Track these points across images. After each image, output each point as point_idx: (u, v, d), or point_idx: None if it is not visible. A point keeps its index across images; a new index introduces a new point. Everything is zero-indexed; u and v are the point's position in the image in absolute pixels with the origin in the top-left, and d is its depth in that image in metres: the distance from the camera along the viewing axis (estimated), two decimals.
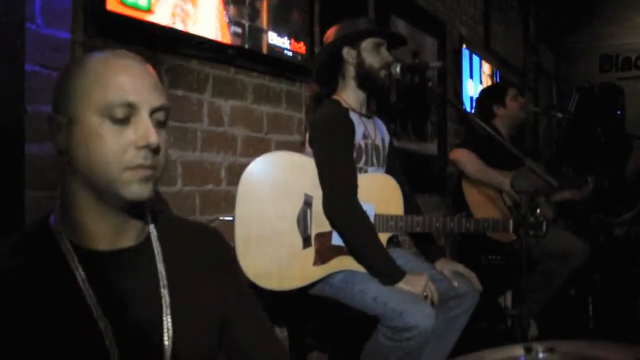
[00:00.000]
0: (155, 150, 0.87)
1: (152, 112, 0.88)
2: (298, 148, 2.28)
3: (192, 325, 0.94)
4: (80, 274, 0.87)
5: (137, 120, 0.86)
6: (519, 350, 1.12)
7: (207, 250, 1.03)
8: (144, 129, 0.86)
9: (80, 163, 0.86)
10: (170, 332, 0.91)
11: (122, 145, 0.85)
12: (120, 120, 0.85)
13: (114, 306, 0.87)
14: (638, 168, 4.02)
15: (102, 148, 0.84)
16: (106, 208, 0.89)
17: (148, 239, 0.95)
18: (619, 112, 5.37)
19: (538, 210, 2.06)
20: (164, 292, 0.92)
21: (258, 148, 2.30)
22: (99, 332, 0.85)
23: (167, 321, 0.91)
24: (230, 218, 1.91)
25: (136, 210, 0.92)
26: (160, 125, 0.89)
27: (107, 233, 0.90)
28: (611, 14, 6.40)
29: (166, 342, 0.90)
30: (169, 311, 0.91)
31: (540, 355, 1.08)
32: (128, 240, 0.93)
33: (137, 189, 0.86)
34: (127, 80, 0.86)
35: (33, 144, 1.43)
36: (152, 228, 0.96)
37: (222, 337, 1.02)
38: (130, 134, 0.86)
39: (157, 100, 0.88)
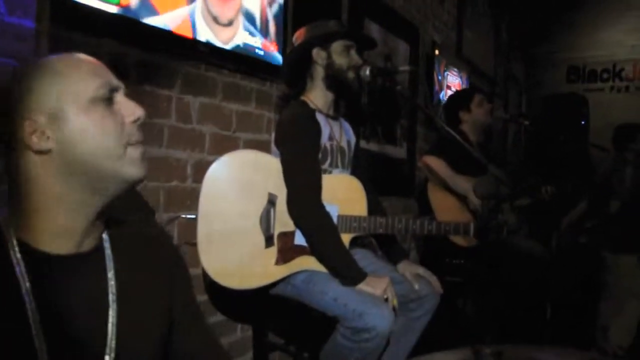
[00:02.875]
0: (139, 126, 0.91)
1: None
2: (267, 147, 2.28)
3: (138, 336, 0.93)
4: (25, 284, 0.83)
5: (119, 100, 0.91)
6: (467, 353, 1.15)
7: (158, 258, 1.02)
8: (129, 105, 0.91)
9: (75, 154, 0.85)
10: (113, 343, 0.89)
11: (118, 122, 0.89)
12: (108, 100, 0.89)
13: (56, 317, 0.84)
14: (603, 179, 4.12)
15: (103, 129, 0.87)
16: (83, 208, 0.87)
17: (101, 245, 0.94)
18: (582, 122, 5.52)
19: (499, 215, 2.12)
20: (112, 301, 0.90)
21: (226, 146, 2.29)
22: (33, 346, 0.81)
23: (112, 331, 0.89)
24: (193, 216, 1.91)
25: (108, 210, 0.91)
26: None
27: (70, 236, 0.88)
28: (578, 27, 6.55)
29: (107, 356, 0.88)
30: (114, 321, 0.89)
31: (488, 358, 1.11)
32: (85, 245, 0.90)
33: (140, 167, 0.90)
34: (98, 68, 0.91)
35: None
36: (105, 235, 0.95)
37: (168, 344, 1.01)
38: (120, 111, 0.90)
39: (121, 84, 0.93)
